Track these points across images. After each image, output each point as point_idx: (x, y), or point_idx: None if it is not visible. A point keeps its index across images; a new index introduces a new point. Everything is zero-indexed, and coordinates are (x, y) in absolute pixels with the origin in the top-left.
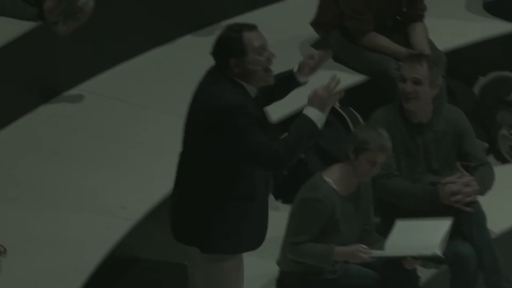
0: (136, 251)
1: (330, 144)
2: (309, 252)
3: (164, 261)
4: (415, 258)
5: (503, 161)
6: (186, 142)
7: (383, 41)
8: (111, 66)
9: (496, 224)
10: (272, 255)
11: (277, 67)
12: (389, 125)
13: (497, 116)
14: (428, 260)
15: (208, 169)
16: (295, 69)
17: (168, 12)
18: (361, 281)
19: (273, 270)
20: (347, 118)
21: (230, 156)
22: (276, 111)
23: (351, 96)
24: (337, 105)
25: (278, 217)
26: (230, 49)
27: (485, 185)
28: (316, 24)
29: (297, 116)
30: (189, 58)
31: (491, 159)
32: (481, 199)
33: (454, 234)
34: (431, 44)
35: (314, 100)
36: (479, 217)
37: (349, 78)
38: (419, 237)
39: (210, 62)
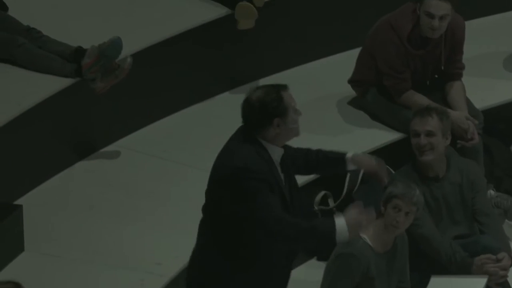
0: None
1: (365, 201)
2: None
3: None
4: None
5: None
6: (207, 197)
7: (421, 99)
8: (148, 122)
9: None
10: None
11: (314, 125)
12: None
13: None
14: None
15: (221, 228)
16: (349, 155)
17: (206, 69)
18: None
19: None
20: None
21: (234, 219)
22: None
23: (388, 153)
24: None
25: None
26: (274, 110)
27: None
28: (354, 81)
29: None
30: (226, 114)
31: None
32: None
33: None
34: (469, 103)
35: (353, 222)
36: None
37: (386, 136)
38: None
39: None
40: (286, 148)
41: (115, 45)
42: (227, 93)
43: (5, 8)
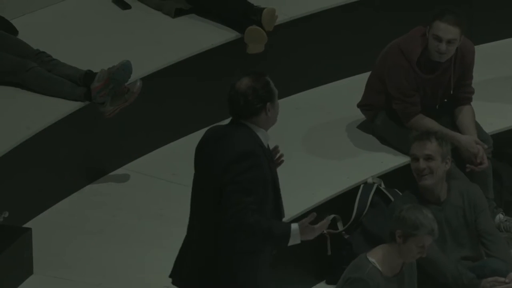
0: None
1: (374, 225)
2: None
3: None
4: None
5: None
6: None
7: (430, 124)
8: (158, 146)
9: None
10: None
11: (323, 149)
12: None
13: None
14: None
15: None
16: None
17: (215, 93)
18: None
19: None
20: (392, 199)
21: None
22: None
23: (396, 177)
24: (382, 187)
25: None
26: (265, 95)
27: None
28: (363, 105)
29: None
30: None
31: None
32: None
33: None
34: (478, 127)
35: (305, 228)
36: None
37: (395, 160)
38: None
39: None
40: None
41: (125, 68)
42: None
43: (15, 32)
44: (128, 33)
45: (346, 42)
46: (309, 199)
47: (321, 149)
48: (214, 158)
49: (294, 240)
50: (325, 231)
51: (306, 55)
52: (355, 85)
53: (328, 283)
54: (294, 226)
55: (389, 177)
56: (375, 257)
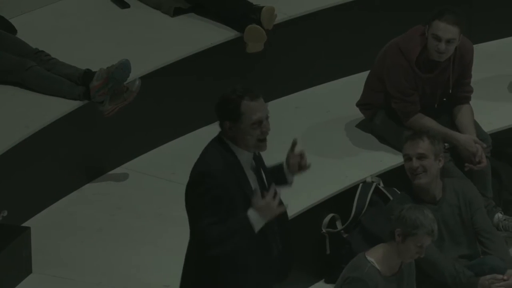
0: None
1: (373, 224)
2: None
3: None
4: None
5: None
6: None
7: (429, 123)
8: (157, 145)
9: None
10: None
11: (322, 148)
12: None
13: None
14: None
15: (192, 237)
16: (284, 166)
17: (215, 92)
18: None
19: None
20: (391, 198)
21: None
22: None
23: (395, 176)
24: (381, 185)
25: None
26: (227, 111)
27: None
28: (362, 104)
29: None
30: None
31: None
32: None
33: None
34: (477, 126)
35: (262, 208)
36: None
37: (394, 159)
38: None
39: None
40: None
41: (124, 67)
42: None
43: (13, 31)
44: (127, 32)
45: (345, 41)
46: (308, 198)
47: (320, 148)
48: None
49: (258, 224)
50: (323, 230)
51: (306, 54)
52: (354, 84)
53: (327, 282)
54: (250, 211)
55: (388, 176)
56: (374, 256)
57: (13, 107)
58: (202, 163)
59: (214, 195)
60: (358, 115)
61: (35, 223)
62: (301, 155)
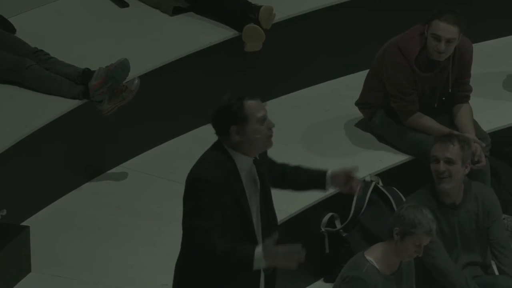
0: None
1: (372, 223)
2: None
3: None
4: None
5: None
6: None
7: (428, 122)
8: (156, 144)
9: None
10: None
11: (321, 147)
12: None
13: None
14: None
15: (184, 244)
16: (329, 173)
17: (213, 91)
18: None
19: None
20: (390, 197)
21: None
22: None
23: (395, 175)
24: (380, 185)
25: None
26: (231, 116)
27: None
28: (361, 104)
29: None
30: None
31: None
32: None
33: None
34: (476, 125)
35: (270, 253)
36: None
37: (393, 158)
38: None
39: None
40: (264, 158)
41: (123, 66)
42: None
43: (12, 30)
44: (126, 31)
45: (344, 40)
46: (307, 197)
47: (319, 147)
48: None
49: (258, 263)
50: (322, 229)
51: (304, 53)
52: (353, 83)
53: (326, 281)
54: (258, 249)
55: (387, 175)
56: (373, 255)
57: (12, 106)
58: (201, 169)
59: (210, 199)
60: (357, 114)
61: (34, 222)
62: (355, 180)
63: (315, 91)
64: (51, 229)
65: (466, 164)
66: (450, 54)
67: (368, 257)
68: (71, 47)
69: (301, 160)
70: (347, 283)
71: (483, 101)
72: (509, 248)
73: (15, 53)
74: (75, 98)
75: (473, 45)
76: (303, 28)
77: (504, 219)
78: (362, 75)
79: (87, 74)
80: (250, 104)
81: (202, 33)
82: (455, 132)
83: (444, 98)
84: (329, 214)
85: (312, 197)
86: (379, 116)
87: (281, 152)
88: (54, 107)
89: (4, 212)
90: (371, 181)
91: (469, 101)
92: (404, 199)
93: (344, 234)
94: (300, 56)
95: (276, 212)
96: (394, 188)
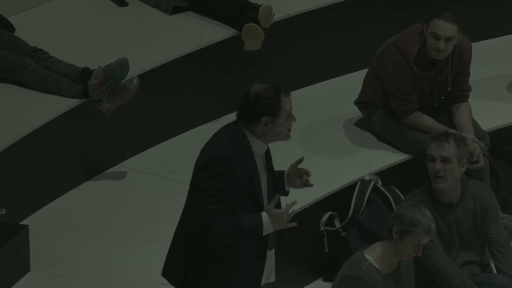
0: None
1: (371, 222)
2: None
3: None
4: None
5: None
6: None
7: (427, 121)
8: (155, 143)
9: None
10: None
11: (320, 146)
12: None
13: None
14: None
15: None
16: (286, 173)
17: (212, 90)
18: None
19: None
20: (389, 196)
21: None
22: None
23: (394, 174)
24: (379, 184)
25: None
26: (266, 107)
27: None
28: (361, 103)
29: None
30: None
31: None
32: None
33: None
34: (475, 124)
35: (276, 216)
36: None
37: (392, 157)
38: None
39: None
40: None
41: (122, 66)
42: (233, 114)
43: (12, 29)
44: (125, 31)
45: (344, 39)
46: (306, 196)
47: (318, 146)
48: (196, 161)
49: (267, 229)
50: (322, 228)
51: (304, 52)
52: (353, 82)
53: (325, 280)
54: (264, 214)
55: (386, 174)
56: (372, 254)
57: (11, 106)
58: (217, 147)
59: (225, 181)
60: (357, 113)
61: (33, 222)
62: (305, 172)
63: (315, 90)
64: (50, 228)
65: (462, 162)
66: (449, 53)
67: (367, 256)
68: (70, 46)
69: None
70: (346, 282)
71: (482, 100)
72: (507, 247)
73: (14, 52)
74: (74, 97)
75: (472, 44)
76: (302, 27)
77: (503, 218)
78: (361, 74)
79: (86, 73)
80: (285, 99)
81: (201, 32)
82: (451, 131)
83: (443, 97)
84: (328, 213)
85: (311, 196)
86: (378, 115)
87: (281, 151)
88: (53, 106)
89: (3, 211)
90: (370, 180)
91: (468, 100)
92: (403, 198)
93: (343, 233)
94: (299, 55)
95: None
96: (393, 187)
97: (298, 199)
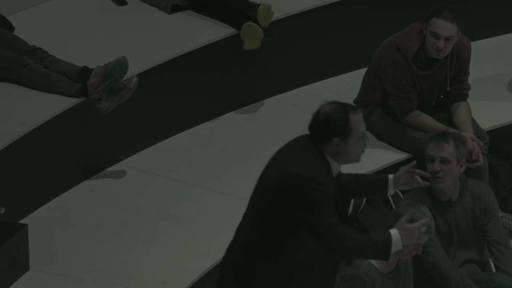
0: None
1: (371, 222)
2: None
3: None
4: None
5: None
6: (253, 203)
7: (427, 120)
8: (154, 142)
9: None
10: None
11: None
12: None
13: None
14: None
15: (270, 234)
16: (391, 177)
17: (212, 89)
18: None
19: None
20: (389, 196)
21: (291, 225)
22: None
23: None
24: None
25: None
26: (336, 128)
27: None
28: (360, 102)
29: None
30: (232, 134)
31: None
32: None
33: None
34: (474, 123)
35: (405, 232)
36: None
37: (392, 156)
38: None
39: (254, 138)
40: None
41: (121, 64)
42: (232, 113)
43: (11, 28)
44: (124, 29)
45: (343, 38)
46: None
47: None
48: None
49: (397, 246)
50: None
51: (303, 51)
52: (352, 81)
53: None
54: (394, 232)
55: (385, 173)
56: None
57: (9, 104)
58: (306, 170)
59: (327, 200)
60: None
61: (33, 220)
62: (419, 173)
63: (314, 89)
64: (49, 227)
65: (461, 162)
66: (448, 52)
67: None
68: (69, 45)
69: None
70: (345, 282)
71: (482, 99)
72: (506, 245)
73: (13, 51)
74: (73, 96)
75: (471, 43)
76: (301, 26)
77: (502, 217)
78: (360, 73)
79: (85, 72)
80: (355, 118)
81: (200, 31)
82: (450, 130)
83: (442, 96)
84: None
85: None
86: (378, 114)
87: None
88: (52, 105)
89: (2, 210)
90: None
91: (468, 99)
92: (402, 197)
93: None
94: (298, 54)
95: None
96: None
97: None
